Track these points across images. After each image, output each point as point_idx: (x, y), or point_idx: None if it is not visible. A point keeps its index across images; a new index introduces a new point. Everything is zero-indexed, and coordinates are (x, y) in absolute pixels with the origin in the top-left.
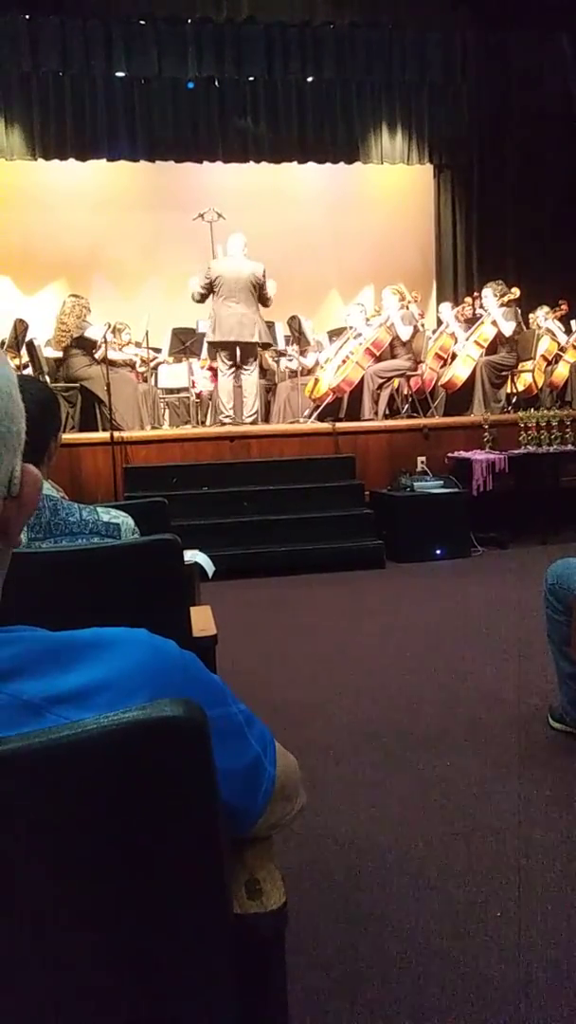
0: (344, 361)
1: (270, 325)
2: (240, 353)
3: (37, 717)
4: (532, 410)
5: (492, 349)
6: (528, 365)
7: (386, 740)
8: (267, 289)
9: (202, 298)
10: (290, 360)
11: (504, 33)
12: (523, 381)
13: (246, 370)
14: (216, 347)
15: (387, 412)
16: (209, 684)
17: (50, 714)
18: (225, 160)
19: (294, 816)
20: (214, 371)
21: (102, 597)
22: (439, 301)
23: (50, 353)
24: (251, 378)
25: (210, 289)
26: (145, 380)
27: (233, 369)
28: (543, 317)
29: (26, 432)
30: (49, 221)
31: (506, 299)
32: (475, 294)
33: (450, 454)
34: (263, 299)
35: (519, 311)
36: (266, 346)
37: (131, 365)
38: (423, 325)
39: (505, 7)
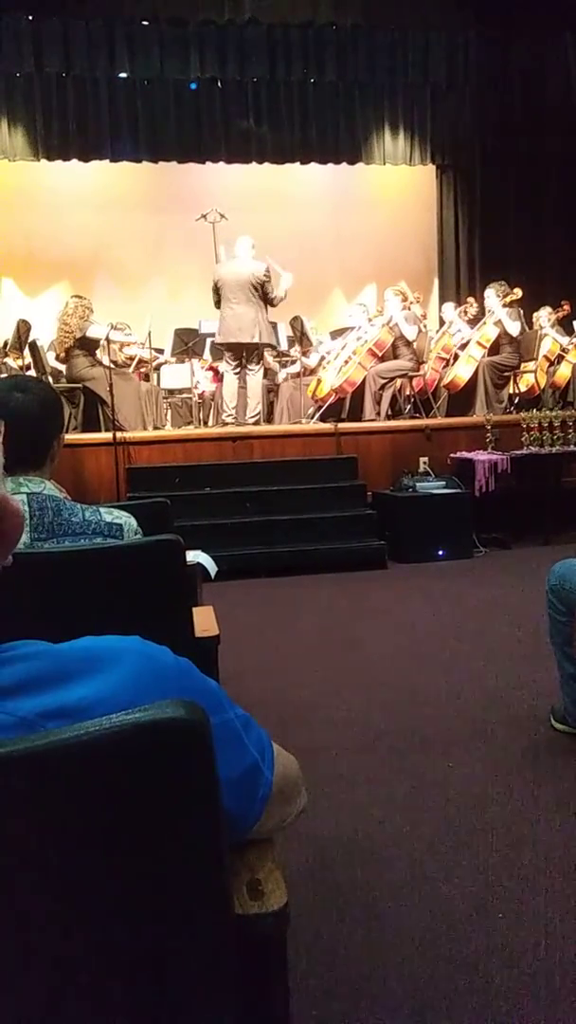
0: (347, 361)
1: (272, 325)
2: (245, 354)
3: (33, 733)
4: (535, 411)
5: (494, 350)
6: (530, 366)
7: (388, 740)
8: (271, 288)
9: (216, 304)
10: (293, 363)
11: (506, 34)
12: (525, 382)
13: (251, 371)
14: (220, 348)
15: (389, 412)
16: (205, 691)
17: (45, 729)
18: (228, 161)
19: (294, 818)
20: (215, 371)
21: (105, 597)
22: (441, 301)
23: (53, 363)
24: (255, 379)
25: (219, 293)
26: (147, 378)
27: (239, 370)
28: (545, 318)
29: (30, 432)
30: (52, 222)
31: (508, 299)
32: (477, 294)
33: (452, 454)
34: (267, 299)
35: (522, 311)
36: (267, 347)
37: (133, 363)
38: (425, 326)
39: (507, 8)
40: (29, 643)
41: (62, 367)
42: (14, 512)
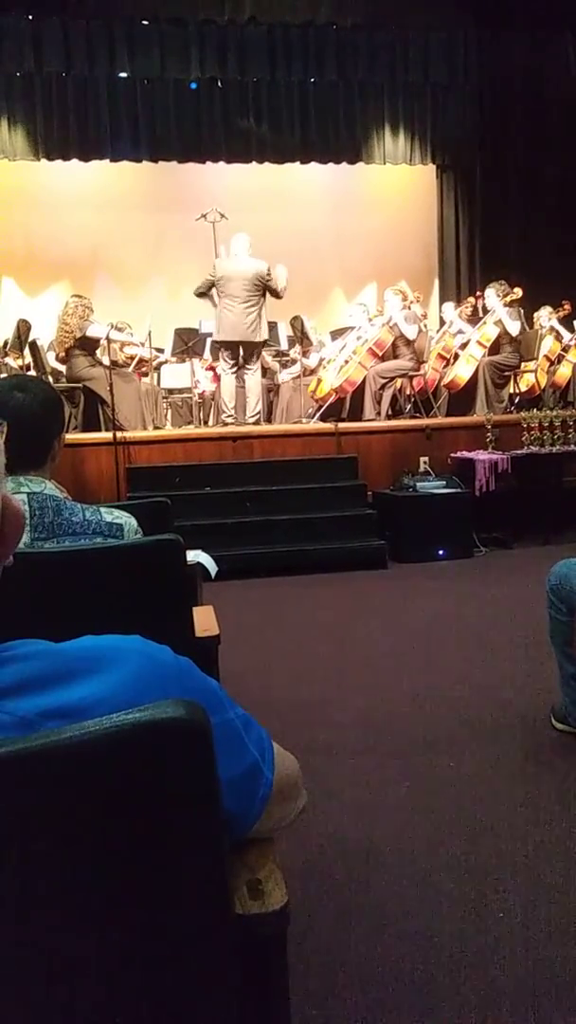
0: (347, 361)
1: (272, 325)
2: (243, 352)
3: (33, 733)
4: (535, 410)
5: (495, 349)
6: (531, 365)
7: (388, 740)
8: (275, 282)
9: (201, 294)
10: (293, 364)
11: (507, 33)
12: (526, 381)
13: (249, 370)
14: (219, 346)
15: (390, 412)
16: (206, 690)
17: (45, 729)
18: (228, 160)
19: (294, 817)
20: (215, 371)
21: (105, 597)
22: (442, 301)
23: (54, 363)
24: (254, 378)
25: (210, 288)
26: (146, 375)
27: (236, 369)
28: (546, 317)
29: (31, 432)
30: (52, 222)
31: (508, 299)
32: (477, 294)
33: (453, 454)
34: (273, 293)
35: (522, 311)
36: (266, 346)
37: (133, 363)
38: (426, 325)
39: (507, 7)
40: (29, 642)
41: (62, 367)
42: (16, 512)
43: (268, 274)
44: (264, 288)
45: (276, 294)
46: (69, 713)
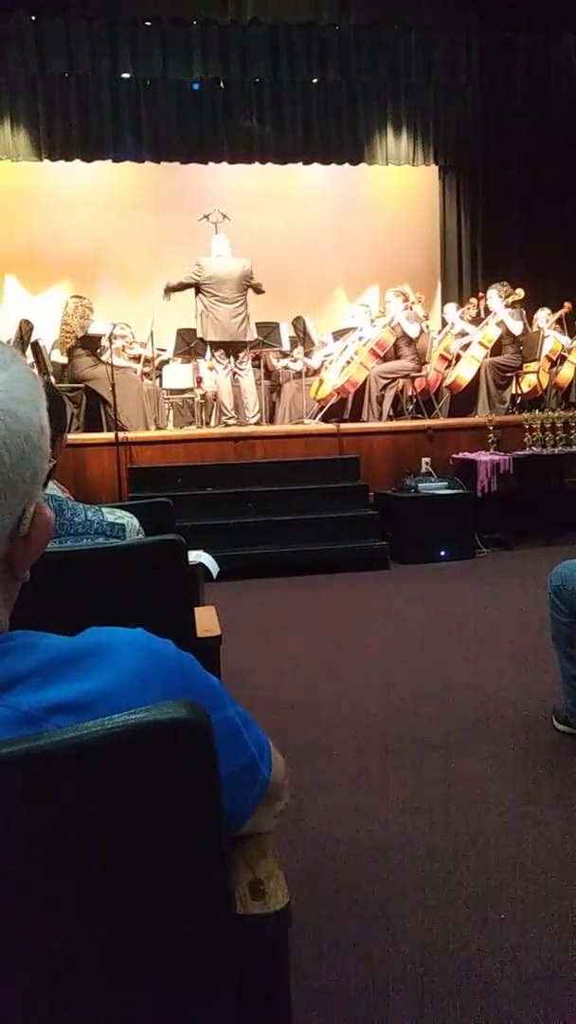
0: (348, 362)
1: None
2: (233, 351)
3: (36, 728)
4: (537, 411)
5: (497, 350)
6: (533, 366)
7: (389, 741)
8: (254, 279)
9: (173, 290)
10: (294, 361)
11: (510, 34)
12: (528, 382)
13: (241, 370)
14: (214, 346)
15: (391, 413)
16: (207, 687)
17: (49, 725)
18: (230, 161)
19: (274, 819)
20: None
21: (107, 597)
22: (444, 302)
23: (57, 358)
24: (248, 379)
25: (193, 286)
26: (148, 377)
27: (229, 368)
28: (544, 318)
29: None
30: (54, 222)
31: (511, 300)
32: (480, 295)
33: (454, 455)
34: (256, 290)
35: (524, 312)
36: (256, 344)
37: (139, 363)
38: (428, 326)
39: (511, 8)
40: (28, 633)
41: (65, 359)
42: (46, 521)
43: (251, 272)
44: (248, 287)
45: (258, 290)
46: (73, 708)
